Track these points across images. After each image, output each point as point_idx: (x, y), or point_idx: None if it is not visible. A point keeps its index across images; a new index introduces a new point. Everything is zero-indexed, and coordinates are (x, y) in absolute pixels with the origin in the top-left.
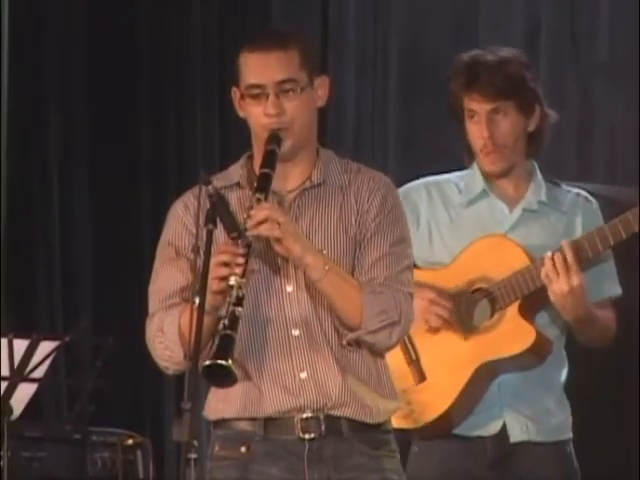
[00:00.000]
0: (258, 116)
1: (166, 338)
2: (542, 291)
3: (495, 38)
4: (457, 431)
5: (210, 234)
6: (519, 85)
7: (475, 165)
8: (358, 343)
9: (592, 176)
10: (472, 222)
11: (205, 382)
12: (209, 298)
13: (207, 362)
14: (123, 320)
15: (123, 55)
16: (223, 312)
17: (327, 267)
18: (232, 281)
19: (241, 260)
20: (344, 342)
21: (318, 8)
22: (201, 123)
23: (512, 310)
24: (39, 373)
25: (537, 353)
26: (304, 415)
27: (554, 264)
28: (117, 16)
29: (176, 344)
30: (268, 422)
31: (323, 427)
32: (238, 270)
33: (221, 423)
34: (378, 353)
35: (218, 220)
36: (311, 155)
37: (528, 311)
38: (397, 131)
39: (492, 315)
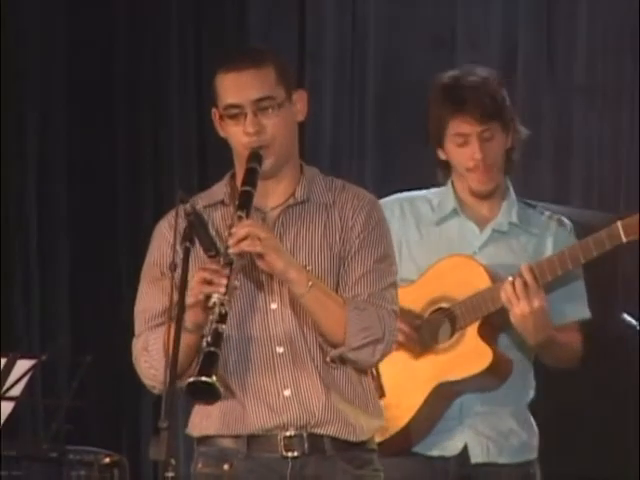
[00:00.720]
0: (238, 135)
1: (151, 357)
2: (503, 312)
3: (472, 56)
4: (417, 449)
5: (187, 252)
6: (502, 105)
7: (450, 183)
8: (342, 360)
9: (569, 196)
10: (442, 240)
11: (189, 399)
12: (190, 315)
13: (191, 379)
14: (100, 338)
15: (100, 75)
16: (206, 330)
17: (310, 283)
18: (214, 298)
19: (223, 277)
20: (327, 359)
21: (295, 24)
22: (179, 143)
23: (471, 331)
24: (16, 391)
25: (496, 374)
26: (287, 433)
27: (514, 288)
28: (95, 36)
29: (160, 363)
30: (251, 439)
31: (306, 445)
32: (220, 288)
33: (204, 440)
34: (362, 370)
35: (195, 238)
36: (294, 171)
37: (488, 332)
38: (374, 147)
39: (452, 335)
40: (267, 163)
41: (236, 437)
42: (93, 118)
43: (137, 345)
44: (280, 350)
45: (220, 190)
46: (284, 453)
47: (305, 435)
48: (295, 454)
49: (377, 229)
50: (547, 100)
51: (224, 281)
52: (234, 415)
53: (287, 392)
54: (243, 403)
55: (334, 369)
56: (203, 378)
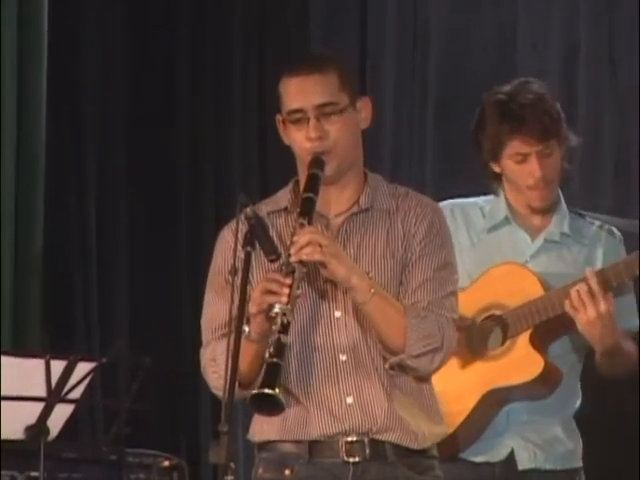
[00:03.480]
0: (301, 141)
1: (218, 367)
2: (555, 321)
3: (533, 61)
4: (464, 455)
5: (248, 256)
6: (558, 121)
7: (501, 192)
8: (400, 367)
9: (629, 202)
10: (493, 248)
11: (253, 410)
12: (254, 325)
13: (254, 391)
14: (160, 341)
15: (162, 81)
16: (269, 340)
17: (373, 290)
18: (277, 308)
19: (285, 287)
20: (386, 366)
21: (356, 33)
22: (240, 147)
23: (523, 339)
24: (76, 394)
25: (546, 383)
26: (349, 438)
27: (579, 294)
28: (157, 40)
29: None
30: (313, 445)
31: (367, 451)
32: (282, 297)
33: (265, 445)
34: (420, 378)
35: (256, 242)
36: (358, 179)
37: (540, 340)
38: (434, 155)
39: (503, 342)
40: (329, 168)
41: (297, 442)
42: (153, 122)
43: (205, 355)
44: (343, 358)
45: (284, 197)
46: (345, 458)
47: (367, 441)
48: (356, 459)
49: (439, 237)
50: (609, 102)
51: (286, 291)
52: (296, 421)
53: (350, 399)
54: (305, 410)
55: (396, 377)
56: (266, 390)
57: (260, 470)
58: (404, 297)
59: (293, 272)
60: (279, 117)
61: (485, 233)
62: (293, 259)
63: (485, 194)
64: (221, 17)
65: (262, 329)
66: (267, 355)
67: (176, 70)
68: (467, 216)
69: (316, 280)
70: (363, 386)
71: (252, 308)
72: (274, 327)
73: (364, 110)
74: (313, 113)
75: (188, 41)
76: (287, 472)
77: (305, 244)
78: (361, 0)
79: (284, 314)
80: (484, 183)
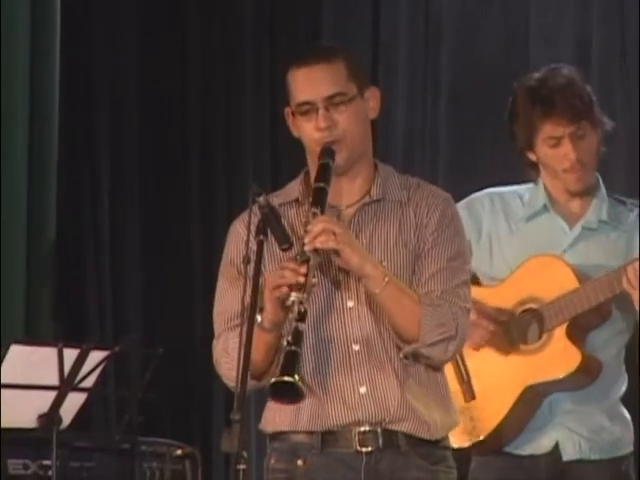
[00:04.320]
0: (310, 131)
1: (231, 358)
2: (591, 313)
3: (545, 55)
4: (509, 449)
5: (260, 245)
6: (590, 103)
7: (540, 180)
8: (415, 356)
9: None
10: (531, 237)
11: (273, 399)
12: (268, 315)
13: (273, 379)
14: (173, 330)
15: (173, 76)
16: (286, 329)
17: (386, 279)
18: (293, 297)
19: (301, 276)
20: (401, 355)
21: (369, 26)
22: (252, 139)
23: (560, 332)
24: (88, 383)
25: (586, 375)
26: (362, 428)
27: (636, 271)
28: (168, 34)
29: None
30: (325, 435)
31: (380, 440)
32: (299, 286)
33: (278, 435)
34: (434, 367)
35: (269, 231)
36: (368, 169)
37: (576, 333)
38: (447, 149)
39: (540, 336)
40: (340, 158)
41: (310, 433)
42: (166, 114)
43: (217, 347)
44: (356, 348)
45: (294, 188)
46: (358, 448)
47: (379, 431)
48: (369, 449)
49: (451, 227)
50: (620, 95)
51: (302, 279)
52: (309, 411)
53: (363, 389)
54: (318, 400)
55: (410, 367)
56: (285, 378)
57: (272, 460)
58: (417, 287)
59: (308, 261)
60: (288, 110)
61: (524, 222)
62: (307, 247)
63: (518, 183)
64: (232, 9)
65: (277, 318)
66: (285, 343)
67: (188, 60)
68: (506, 205)
69: (329, 271)
70: (376, 376)
71: (266, 295)
72: (291, 315)
73: (372, 100)
74: (322, 104)
75: (199, 32)
76: (299, 462)
77: (319, 232)
78: None
79: (300, 302)
80: (497, 173)
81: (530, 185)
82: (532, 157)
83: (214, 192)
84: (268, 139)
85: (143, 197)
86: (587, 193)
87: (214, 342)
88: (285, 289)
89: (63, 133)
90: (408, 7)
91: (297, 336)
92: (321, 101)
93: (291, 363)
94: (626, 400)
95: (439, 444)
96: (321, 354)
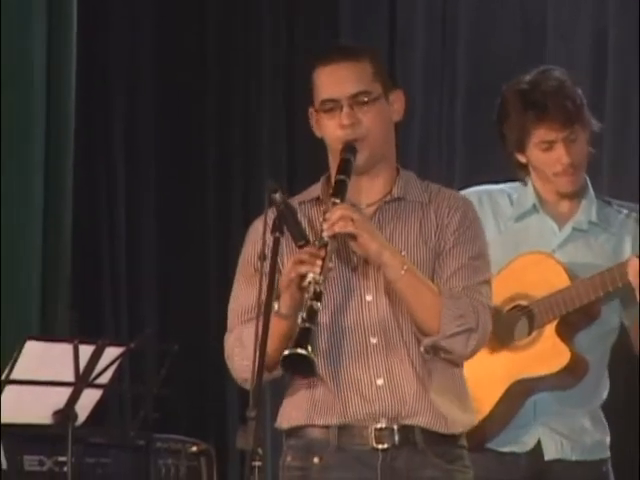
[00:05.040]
0: (333, 129)
1: (244, 348)
2: (581, 312)
3: (561, 50)
4: (490, 445)
5: (277, 242)
6: (581, 106)
7: (529, 180)
8: (435, 349)
9: None
10: (520, 237)
11: (286, 373)
12: (285, 298)
13: (286, 352)
14: (188, 327)
15: (191, 75)
16: (302, 308)
17: (405, 267)
18: (309, 278)
19: (318, 258)
20: (421, 349)
21: (386, 24)
22: (268, 140)
23: (550, 329)
24: (104, 379)
25: (573, 374)
26: (378, 425)
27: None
28: (186, 32)
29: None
30: (342, 430)
31: (397, 437)
32: (315, 267)
33: (293, 432)
34: (454, 362)
35: (285, 228)
36: (390, 170)
37: (566, 331)
38: (463, 149)
39: (530, 333)
40: (361, 156)
41: (326, 427)
42: (183, 113)
43: (229, 339)
44: (374, 341)
45: (315, 189)
46: (374, 445)
47: (396, 427)
48: (386, 446)
49: (472, 228)
50: (637, 89)
51: (319, 261)
52: (326, 404)
53: (380, 381)
54: (335, 392)
55: (429, 361)
56: (299, 350)
57: (288, 458)
58: (438, 283)
59: (326, 245)
60: (311, 110)
61: (513, 221)
62: (326, 233)
63: (511, 181)
64: (250, 7)
65: (293, 301)
66: (300, 320)
67: (206, 60)
68: (495, 204)
69: (348, 263)
70: (394, 368)
71: (284, 280)
72: (306, 295)
73: (397, 103)
74: (347, 102)
75: (217, 31)
76: (315, 460)
77: (338, 219)
78: None
79: (317, 283)
80: (512, 174)
81: (517, 184)
82: (522, 159)
83: (230, 188)
84: (284, 138)
85: (159, 192)
86: (576, 195)
87: (226, 335)
88: (303, 268)
89: (79, 128)
90: (425, 7)
91: (312, 313)
92: (345, 99)
93: (305, 338)
94: (610, 405)
95: (455, 442)
96: (338, 347)
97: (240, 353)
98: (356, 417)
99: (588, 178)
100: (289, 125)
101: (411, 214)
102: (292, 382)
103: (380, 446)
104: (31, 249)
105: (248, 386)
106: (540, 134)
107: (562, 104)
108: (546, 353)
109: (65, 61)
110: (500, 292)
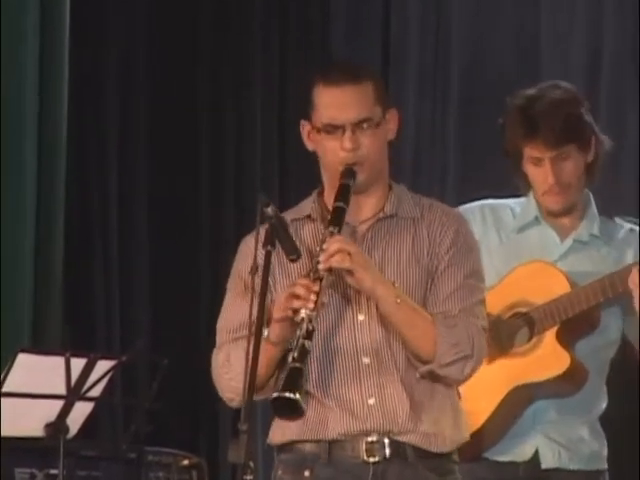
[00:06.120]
0: (334, 150)
1: (232, 369)
2: (581, 319)
3: (556, 62)
4: (488, 455)
5: (268, 255)
6: (577, 126)
7: (531, 194)
8: (431, 376)
9: None
10: (522, 248)
11: (272, 413)
12: (276, 329)
13: (275, 394)
14: (180, 340)
15: (183, 85)
16: (293, 344)
17: (399, 300)
18: (303, 314)
19: (313, 293)
20: (417, 376)
21: (379, 30)
22: (261, 147)
23: (550, 335)
24: (96, 392)
25: (572, 380)
26: (369, 438)
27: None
28: (177, 46)
29: (242, 374)
30: (333, 444)
31: (388, 451)
32: (309, 303)
33: (285, 447)
34: (449, 385)
35: (277, 242)
36: (383, 187)
37: (566, 337)
38: (456, 160)
39: (530, 339)
40: (360, 179)
41: (317, 442)
42: (176, 126)
43: (218, 356)
44: (366, 361)
45: (307, 206)
46: (365, 458)
47: (387, 441)
48: (377, 459)
49: (465, 244)
50: (632, 103)
51: (313, 297)
52: (317, 420)
53: (371, 400)
54: (327, 410)
55: (419, 380)
56: (287, 394)
57: (279, 472)
58: (434, 306)
59: (321, 279)
60: (305, 123)
61: (515, 233)
62: (322, 266)
63: (515, 196)
64: (242, 17)
65: (285, 333)
66: (290, 359)
67: (198, 65)
68: (497, 216)
69: (340, 283)
70: (385, 387)
71: (276, 313)
72: (298, 332)
73: (392, 121)
74: (350, 127)
75: (209, 46)
76: (306, 473)
77: (335, 252)
78: (384, 3)
79: (310, 320)
80: (506, 185)
81: (522, 199)
82: (523, 170)
83: (222, 202)
84: (276, 146)
85: (151, 205)
86: (575, 210)
87: (214, 352)
88: (296, 303)
89: (72, 140)
90: (418, 19)
91: (303, 353)
92: (349, 125)
93: (294, 379)
94: (607, 417)
95: (447, 457)
96: (330, 367)
97: (228, 372)
98: (347, 433)
99: (591, 194)
100: (280, 139)
101: (403, 231)
102: None
103: (371, 459)
104: (23, 262)
105: (235, 404)
106: (529, 150)
107: (552, 125)
108: (546, 358)
109: (57, 76)
110: (501, 300)
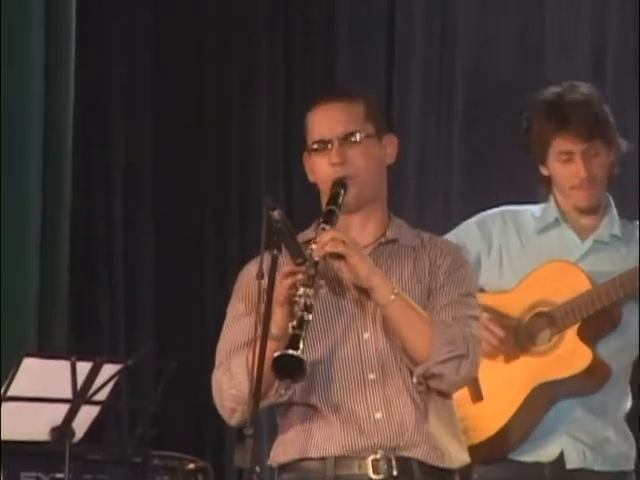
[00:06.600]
0: (323, 167)
1: (233, 377)
2: (602, 317)
3: (561, 66)
4: (513, 456)
5: (275, 260)
6: (605, 122)
7: (551, 197)
8: (427, 378)
9: None
10: (543, 249)
11: (276, 376)
12: (277, 315)
13: (277, 353)
14: (186, 344)
15: (189, 96)
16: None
17: (395, 291)
18: (300, 291)
19: (310, 272)
20: (414, 380)
21: (384, 37)
22: (266, 153)
23: (571, 333)
24: (101, 396)
25: (595, 377)
26: (376, 456)
27: None
28: (183, 60)
29: (243, 380)
30: (338, 461)
31: (394, 468)
32: (306, 280)
33: (288, 466)
34: (444, 393)
35: (283, 246)
36: (382, 213)
37: (588, 334)
38: (460, 166)
39: (551, 337)
40: (351, 193)
41: (323, 459)
42: (181, 126)
43: (217, 373)
44: (372, 377)
45: (310, 232)
46: (371, 475)
47: (393, 458)
48: (382, 477)
49: (462, 270)
50: (636, 106)
51: (310, 274)
52: (322, 437)
53: (378, 415)
54: (332, 426)
55: (425, 397)
56: (290, 351)
57: None
58: (430, 315)
59: (316, 264)
60: (306, 154)
61: (535, 235)
62: (316, 254)
63: (521, 199)
64: (247, 29)
65: (285, 320)
66: (290, 329)
67: (202, 89)
68: (518, 220)
69: (344, 301)
70: (392, 400)
71: (277, 296)
72: (296, 307)
73: (390, 146)
74: (337, 141)
75: (214, 57)
76: None
77: (328, 240)
78: (388, 5)
79: (307, 296)
80: (511, 184)
81: (542, 205)
82: (545, 172)
83: (227, 209)
84: (280, 152)
85: (157, 214)
86: (596, 211)
87: (214, 372)
88: (292, 280)
89: (77, 148)
90: (423, 24)
91: (302, 322)
92: (336, 138)
93: (295, 341)
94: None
95: (452, 475)
96: (336, 384)
97: (229, 381)
98: (353, 449)
99: (611, 197)
100: (285, 142)
101: (404, 256)
102: (284, 419)
103: (377, 476)
104: (29, 267)
105: (235, 420)
106: (559, 144)
107: (584, 117)
108: (568, 356)
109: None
110: (521, 300)
